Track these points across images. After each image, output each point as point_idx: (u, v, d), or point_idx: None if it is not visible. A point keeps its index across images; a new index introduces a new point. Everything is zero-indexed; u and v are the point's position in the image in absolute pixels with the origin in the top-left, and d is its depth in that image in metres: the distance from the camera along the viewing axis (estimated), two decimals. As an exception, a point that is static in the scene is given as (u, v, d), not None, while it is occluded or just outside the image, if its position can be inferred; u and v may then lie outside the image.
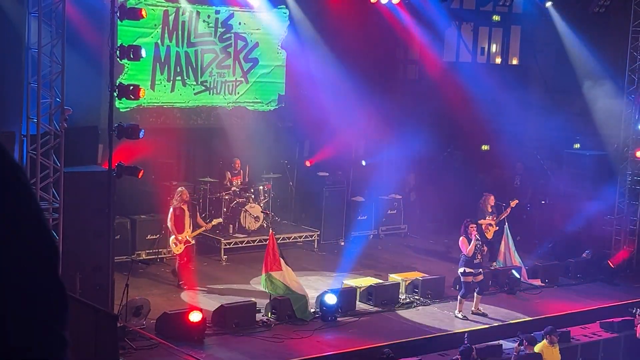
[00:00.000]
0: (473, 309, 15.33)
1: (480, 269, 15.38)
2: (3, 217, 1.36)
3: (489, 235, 17.39)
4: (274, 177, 19.20)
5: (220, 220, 17.26)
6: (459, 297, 15.26)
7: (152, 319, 13.47)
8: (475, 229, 15.43)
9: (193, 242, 15.89)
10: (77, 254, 12.67)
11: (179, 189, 15.91)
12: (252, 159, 18.74)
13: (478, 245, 15.27)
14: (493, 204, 17.55)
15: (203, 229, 16.33)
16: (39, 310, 1.39)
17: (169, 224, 15.51)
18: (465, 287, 15.21)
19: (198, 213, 16.34)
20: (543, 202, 20.96)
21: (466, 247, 15.18)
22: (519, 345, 13.12)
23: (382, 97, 20.50)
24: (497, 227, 17.42)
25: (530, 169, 21.71)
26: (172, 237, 15.55)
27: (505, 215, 17.48)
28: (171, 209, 15.54)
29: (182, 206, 15.53)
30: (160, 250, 16.97)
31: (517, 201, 17.78)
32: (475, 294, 15.33)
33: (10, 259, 1.36)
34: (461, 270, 15.40)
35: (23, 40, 12.90)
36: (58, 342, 1.41)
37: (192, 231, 15.75)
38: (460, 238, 15.32)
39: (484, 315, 15.33)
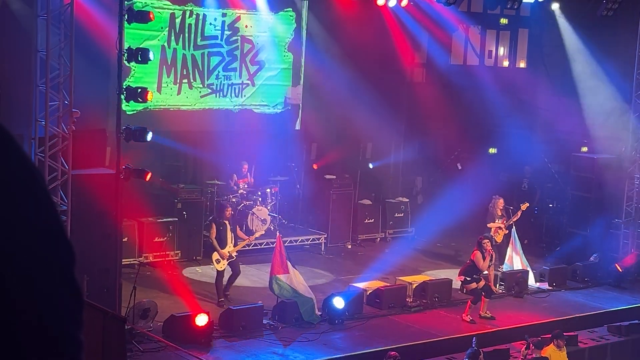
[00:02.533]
0: (481, 312, 15.30)
1: (481, 277, 15.37)
2: (21, 220, 1.36)
3: (499, 239, 17.35)
4: (281, 180, 19.19)
5: (263, 232, 16.96)
6: (468, 302, 15.24)
7: (159, 322, 13.47)
8: (489, 243, 15.41)
9: (235, 254, 15.29)
10: (84, 257, 12.66)
11: (222, 203, 15.90)
12: (259, 162, 18.73)
13: (490, 264, 15.29)
14: (502, 207, 17.53)
15: (246, 241, 15.84)
16: (56, 313, 1.39)
17: (212, 239, 15.15)
18: (473, 294, 15.24)
19: (238, 226, 15.86)
20: (551, 205, 20.91)
21: (480, 262, 15.18)
22: (526, 348, 13.09)
23: (389, 100, 20.46)
24: (507, 231, 17.39)
25: (538, 173, 21.65)
26: (215, 252, 15.05)
27: (516, 218, 17.45)
28: (214, 225, 15.24)
29: (224, 221, 15.20)
30: (167, 252, 16.97)
31: (527, 204, 17.76)
32: (482, 297, 15.32)
33: (28, 262, 1.36)
34: (461, 278, 15.43)
35: (32, 43, 12.92)
36: (75, 345, 1.42)
37: (234, 245, 15.23)
38: (474, 252, 15.30)
39: (491, 318, 15.31)
